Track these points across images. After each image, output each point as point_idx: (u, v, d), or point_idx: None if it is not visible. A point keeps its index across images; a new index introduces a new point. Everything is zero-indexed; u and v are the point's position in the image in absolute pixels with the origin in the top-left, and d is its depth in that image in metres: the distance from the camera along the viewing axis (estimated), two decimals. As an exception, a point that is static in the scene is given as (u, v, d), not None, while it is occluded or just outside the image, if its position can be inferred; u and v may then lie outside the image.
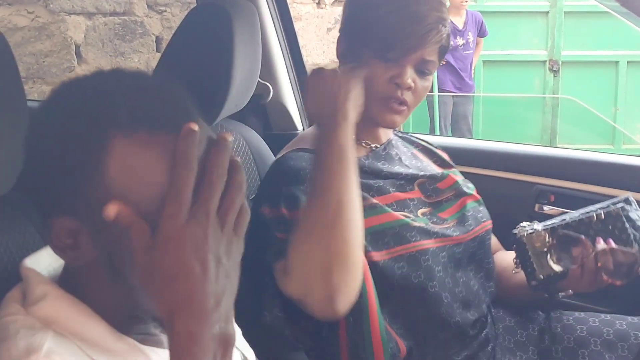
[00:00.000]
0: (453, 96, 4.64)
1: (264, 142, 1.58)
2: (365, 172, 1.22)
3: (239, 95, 1.34)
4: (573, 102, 4.76)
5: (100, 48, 3.92)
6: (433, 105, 4.58)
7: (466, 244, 1.25)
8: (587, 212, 1.26)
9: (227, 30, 1.26)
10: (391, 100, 1.19)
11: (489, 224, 1.32)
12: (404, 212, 1.22)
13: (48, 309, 0.70)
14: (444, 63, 4.39)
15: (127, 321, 0.73)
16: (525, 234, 1.23)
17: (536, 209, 1.64)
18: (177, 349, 0.60)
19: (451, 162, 1.42)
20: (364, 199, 1.16)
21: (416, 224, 1.19)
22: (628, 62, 4.89)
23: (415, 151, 1.38)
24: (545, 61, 4.94)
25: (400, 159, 1.31)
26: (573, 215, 1.27)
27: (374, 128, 1.28)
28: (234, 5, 1.34)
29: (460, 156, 1.75)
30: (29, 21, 3.81)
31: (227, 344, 0.62)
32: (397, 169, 1.28)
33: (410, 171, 1.29)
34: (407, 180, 1.27)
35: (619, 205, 1.25)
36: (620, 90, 4.91)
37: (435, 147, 1.43)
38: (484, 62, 4.90)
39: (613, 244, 1.18)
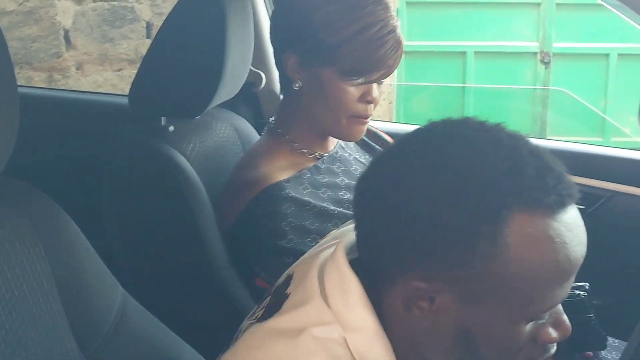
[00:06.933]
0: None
1: (256, 131, 1.57)
2: (329, 186, 1.22)
3: (230, 83, 1.33)
4: (563, 94, 4.76)
5: (89, 34, 3.88)
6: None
7: None
8: None
9: (219, 17, 1.24)
10: (360, 116, 1.19)
11: None
12: None
13: (363, 345, 0.66)
14: None
15: None
16: None
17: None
18: None
19: None
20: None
21: None
22: (619, 55, 4.89)
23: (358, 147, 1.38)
24: (536, 53, 4.93)
25: (355, 158, 1.31)
26: None
27: (326, 138, 1.27)
28: (226, -9, 1.33)
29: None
30: (16, 5, 3.76)
31: None
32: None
33: None
34: None
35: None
36: (610, 83, 4.91)
37: (379, 131, 1.42)
38: (475, 53, 4.89)
39: None
